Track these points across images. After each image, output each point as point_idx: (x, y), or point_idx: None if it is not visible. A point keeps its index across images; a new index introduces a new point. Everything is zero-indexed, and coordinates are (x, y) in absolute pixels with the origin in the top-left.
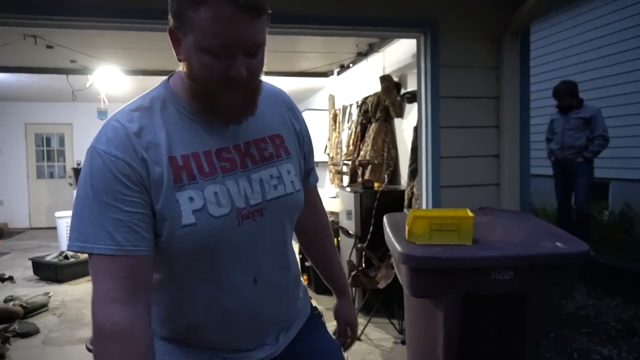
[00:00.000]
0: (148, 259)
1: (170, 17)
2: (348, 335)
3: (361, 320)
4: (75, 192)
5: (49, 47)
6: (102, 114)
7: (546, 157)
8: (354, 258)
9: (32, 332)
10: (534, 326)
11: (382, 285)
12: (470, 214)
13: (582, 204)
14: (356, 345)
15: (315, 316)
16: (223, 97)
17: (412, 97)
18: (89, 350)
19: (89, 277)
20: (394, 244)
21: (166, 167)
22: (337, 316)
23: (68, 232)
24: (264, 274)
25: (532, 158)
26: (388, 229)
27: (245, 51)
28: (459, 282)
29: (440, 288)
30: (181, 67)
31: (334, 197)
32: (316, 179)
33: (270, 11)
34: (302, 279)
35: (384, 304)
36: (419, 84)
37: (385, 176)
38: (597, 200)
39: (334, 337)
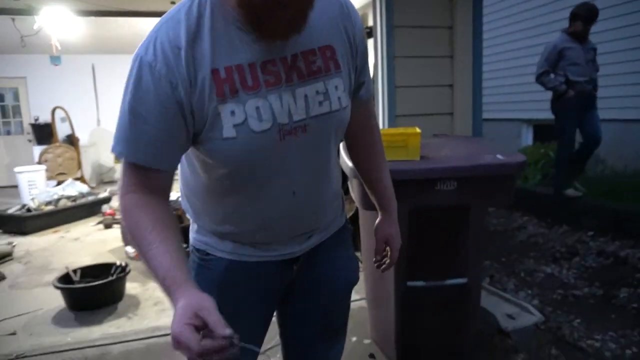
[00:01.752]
0: (166, 175)
1: None
2: (386, 254)
3: None
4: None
5: None
6: (55, 59)
7: (502, 102)
8: None
9: None
10: (477, 233)
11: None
12: (418, 131)
13: (599, 134)
14: None
15: (346, 230)
16: (269, 14)
17: (371, 32)
18: (56, 287)
19: (54, 229)
20: (346, 161)
21: (209, 80)
22: (377, 233)
23: (30, 188)
24: (303, 188)
25: (489, 103)
26: (342, 151)
27: None
28: (407, 193)
29: None
30: None
31: None
32: (369, 93)
33: None
34: (342, 196)
35: (357, 231)
36: (374, 14)
37: None
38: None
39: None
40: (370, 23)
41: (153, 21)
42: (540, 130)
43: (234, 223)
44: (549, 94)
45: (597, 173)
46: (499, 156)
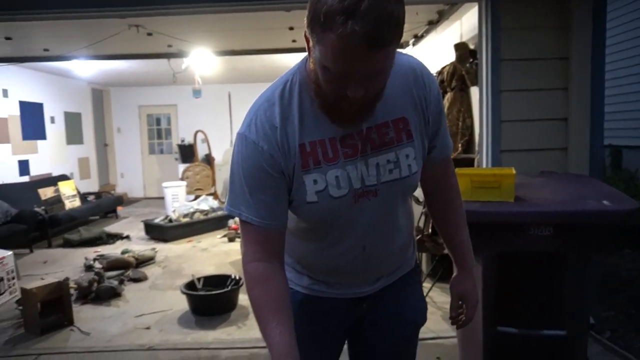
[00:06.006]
0: (281, 229)
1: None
2: (461, 310)
3: (427, 284)
4: (229, 166)
5: (148, 34)
6: (196, 92)
7: None
8: (422, 224)
9: (141, 279)
10: (577, 283)
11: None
12: (512, 171)
13: None
14: None
15: (415, 272)
16: (338, 107)
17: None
18: (183, 293)
19: (188, 239)
20: None
21: (297, 154)
22: (452, 289)
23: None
24: (372, 243)
25: (630, 128)
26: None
27: (365, 75)
28: (497, 236)
29: (478, 242)
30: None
31: None
32: (444, 154)
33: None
34: (413, 240)
35: (449, 269)
36: (479, 48)
37: (460, 145)
38: None
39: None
40: None
41: (278, 57)
42: None
43: (309, 265)
44: None
45: None
46: (605, 202)
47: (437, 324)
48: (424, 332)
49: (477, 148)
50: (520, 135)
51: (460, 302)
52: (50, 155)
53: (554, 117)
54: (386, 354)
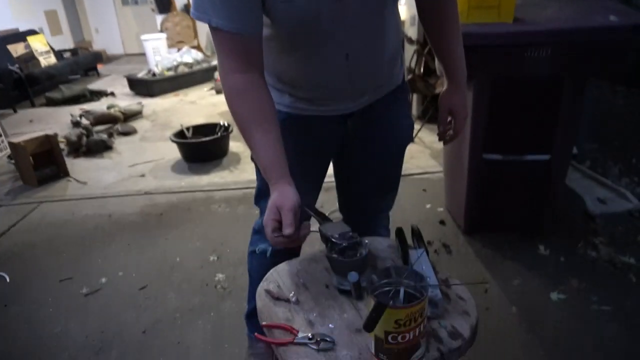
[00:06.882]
0: (257, 38)
1: None
2: (449, 125)
3: (416, 126)
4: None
5: None
6: None
7: None
8: (413, 64)
9: (131, 132)
10: (569, 109)
11: (438, 90)
12: None
13: None
14: (409, 145)
15: (402, 89)
16: None
17: None
18: (173, 141)
19: (175, 92)
20: None
21: None
22: (441, 102)
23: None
24: (356, 52)
25: None
26: None
27: None
28: (491, 61)
29: (472, 67)
30: None
31: (400, 5)
32: None
33: None
34: (401, 57)
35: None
36: None
37: None
38: None
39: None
40: None
41: None
42: None
43: (290, 80)
44: None
45: None
46: (612, 17)
47: (425, 161)
48: (411, 168)
49: None
50: None
51: (449, 118)
52: (10, 7)
53: None
54: (373, 172)
